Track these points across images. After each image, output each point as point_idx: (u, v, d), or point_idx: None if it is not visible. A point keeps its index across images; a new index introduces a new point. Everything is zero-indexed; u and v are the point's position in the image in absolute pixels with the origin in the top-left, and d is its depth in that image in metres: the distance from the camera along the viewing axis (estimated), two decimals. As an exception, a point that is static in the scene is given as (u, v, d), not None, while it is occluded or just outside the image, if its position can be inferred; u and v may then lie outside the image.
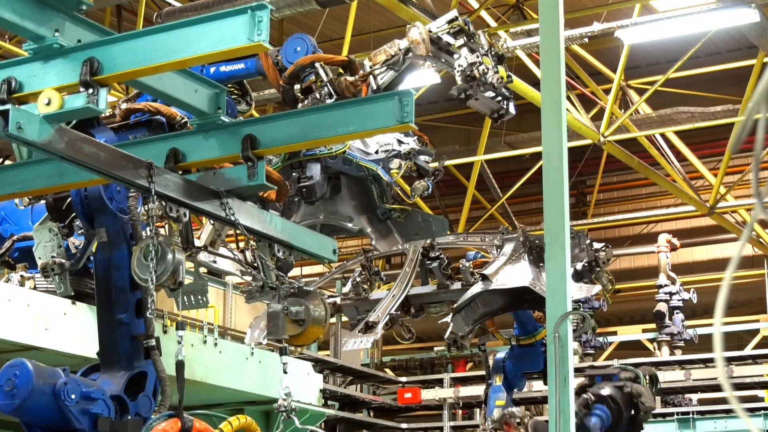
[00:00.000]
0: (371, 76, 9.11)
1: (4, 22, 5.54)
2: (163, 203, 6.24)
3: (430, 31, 9.17)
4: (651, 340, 21.86)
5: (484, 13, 17.86)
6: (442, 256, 9.73)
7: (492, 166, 23.94)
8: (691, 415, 17.61)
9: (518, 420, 9.62)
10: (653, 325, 21.36)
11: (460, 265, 9.65)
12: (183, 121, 7.20)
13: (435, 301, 9.84)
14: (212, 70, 8.80)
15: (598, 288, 9.59)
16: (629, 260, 27.01)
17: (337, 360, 18.98)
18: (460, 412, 20.65)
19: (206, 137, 6.47)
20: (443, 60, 9.25)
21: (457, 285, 9.66)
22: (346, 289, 10.16)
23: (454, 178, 24.44)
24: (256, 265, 7.01)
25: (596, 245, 9.67)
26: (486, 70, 9.02)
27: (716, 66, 22.18)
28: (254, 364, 10.92)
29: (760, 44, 17.75)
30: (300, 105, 8.96)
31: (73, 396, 6.31)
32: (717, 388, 18.74)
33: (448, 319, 9.25)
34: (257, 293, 8.30)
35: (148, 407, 6.68)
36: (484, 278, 9.27)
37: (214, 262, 8.59)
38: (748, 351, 20.46)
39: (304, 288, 7.32)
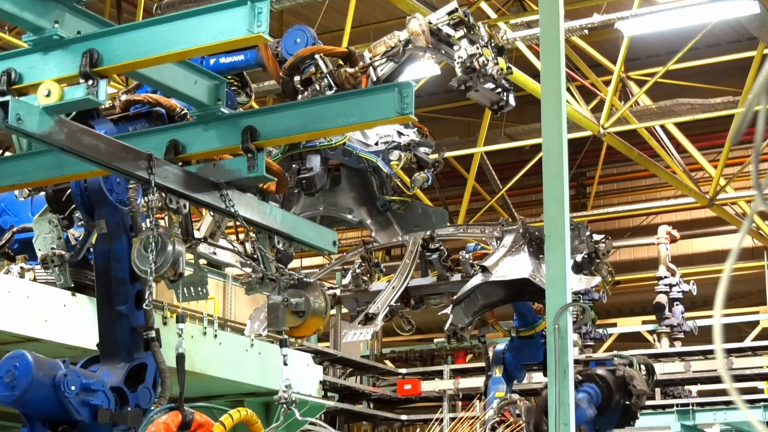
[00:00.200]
0: (371, 68, 9.10)
1: (4, 13, 5.53)
2: (163, 195, 6.24)
3: (430, 23, 9.16)
4: (651, 332, 21.87)
5: (484, 5, 17.84)
6: (442, 247, 9.73)
7: (492, 158, 23.92)
8: (690, 407, 17.63)
9: (516, 410, 9.63)
10: (653, 317, 21.37)
11: (460, 257, 9.66)
12: (183, 112, 7.19)
13: (435, 292, 9.84)
14: (212, 61, 8.79)
15: (597, 279, 9.59)
16: (629, 252, 27.02)
17: (337, 351, 18.99)
18: (459, 403, 20.67)
19: (206, 129, 6.47)
20: (443, 51, 9.25)
21: (457, 277, 9.67)
22: (345, 281, 10.16)
23: (454, 170, 24.44)
24: (256, 256, 7.01)
25: (596, 237, 9.67)
26: (486, 62, 9.01)
27: (716, 57, 22.15)
28: (254, 356, 10.92)
29: (760, 36, 17.72)
30: (300, 96, 8.95)
31: (73, 387, 6.31)
32: (717, 379, 18.76)
33: (447, 310, 9.25)
34: (257, 285, 8.30)
35: (148, 399, 6.68)
36: (484, 270, 9.27)
37: (214, 253, 8.59)
38: (747, 343, 20.48)
39: (304, 279, 7.31)
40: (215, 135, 6.44)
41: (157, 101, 7.24)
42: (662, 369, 18.53)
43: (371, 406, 20.62)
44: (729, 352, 18.45)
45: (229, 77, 8.56)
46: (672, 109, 21.23)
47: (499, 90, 9.25)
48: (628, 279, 25.47)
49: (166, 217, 6.56)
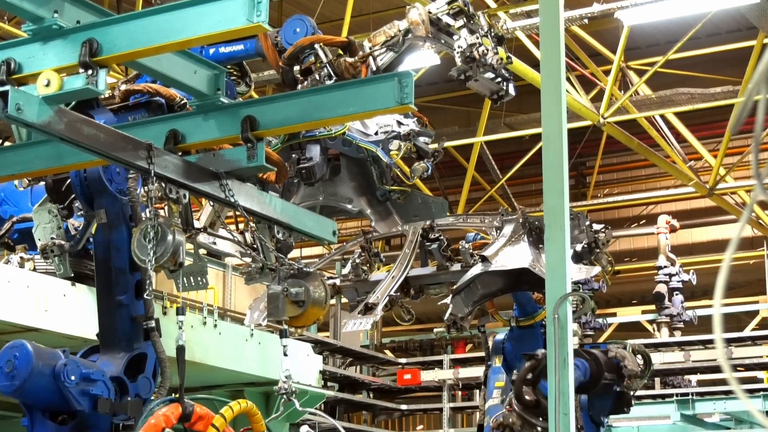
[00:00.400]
0: (371, 58, 9.09)
1: (4, 2, 5.53)
2: (163, 184, 6.24)
3: (429, 12, 9.14)
4: (650, 322, 21.87)
5: (483, -6, 17.83)
6: (442, 237, 9.72)
7: (491, 148, 23.91)
8: (690, 397, 17.62)
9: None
10: (653, 307, 21.37)
11: (460, 247, 9.65)
12: (182, 102, 7.19)
13: (434, 282, 9.83)
14: (211, 51, 8.78)
15: (597, 269, 9.57)
16: (629, 241, 27.03)
17: (337, 341, 18.99)
18: (459, 393, 20.68)
19: (206, 118, 6.46)
20: (443, 41, 9.23)
21: (457, 266, 9.66)
22: (345, 271, 10.16)
23: (454, 160, 24.43)
24: (255, 246, 7.01)
25: (596, 226, 9.65)
26: (486, 51, 9.00)
27: (716, 47, 22.12)
28: (254, 346, 10.93)
29: (760, 25, 17.71)
30: (299, 86, 8.94)
31: (72, 377, 6.32)
32: (716, 369, 18.76)
33: (447, 300, 9.24)
34: (257, 274, 8.30)
35: (148, 388, 6.68)
36: (484, 260, 9.26)
37: (214, 243, 8.59)
38: (747, 332, 20.48)
39: (304, 269, 7.31)
40: (215, 125, 6.44)
41: (157, 91, 7.23)
42: (662, 358, 18.55)
43: (371, 395, 20.63)
44: (729, 341, 18.44)
45: (229, 67, 8.55)
46: (672, 99, 21.22)
47: (499, 79, 9.24)
48: (628, 269, 25.49)
49: (166, 207, 6.56)
